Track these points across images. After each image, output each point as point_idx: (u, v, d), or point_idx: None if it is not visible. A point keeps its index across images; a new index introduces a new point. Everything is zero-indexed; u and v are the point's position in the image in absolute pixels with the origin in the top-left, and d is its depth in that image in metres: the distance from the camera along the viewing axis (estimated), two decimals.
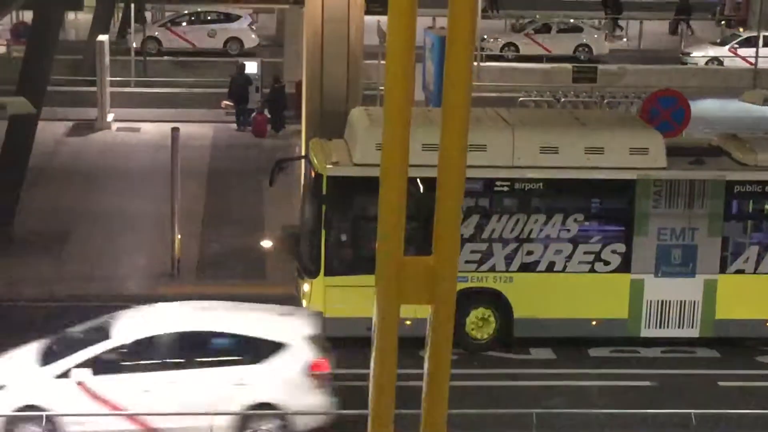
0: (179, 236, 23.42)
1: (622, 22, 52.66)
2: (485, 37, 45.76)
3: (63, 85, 35.97)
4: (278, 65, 38.22)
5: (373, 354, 6.44)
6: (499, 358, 20.58)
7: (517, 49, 46.36)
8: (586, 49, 46.55)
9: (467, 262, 20.27)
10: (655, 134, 21.13)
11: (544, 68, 42.01)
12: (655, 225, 20.58)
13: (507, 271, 20.46)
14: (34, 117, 23.98)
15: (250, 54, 43.14)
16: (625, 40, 50.50)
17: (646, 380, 19.92)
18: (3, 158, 25.18)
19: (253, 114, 34.72)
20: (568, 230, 20.56)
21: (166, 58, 44.65)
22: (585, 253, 20.64)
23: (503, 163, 20.27)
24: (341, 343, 19.01)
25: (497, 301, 20.58)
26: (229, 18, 46.77)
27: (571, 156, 20.52)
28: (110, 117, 35.08)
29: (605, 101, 34.29)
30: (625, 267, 20.67)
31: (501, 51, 46.18)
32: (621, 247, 20.67)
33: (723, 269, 20.91)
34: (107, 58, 34.96)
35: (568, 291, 20.72)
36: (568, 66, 38.95)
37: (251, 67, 35.97)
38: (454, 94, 5.84)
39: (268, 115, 34.54)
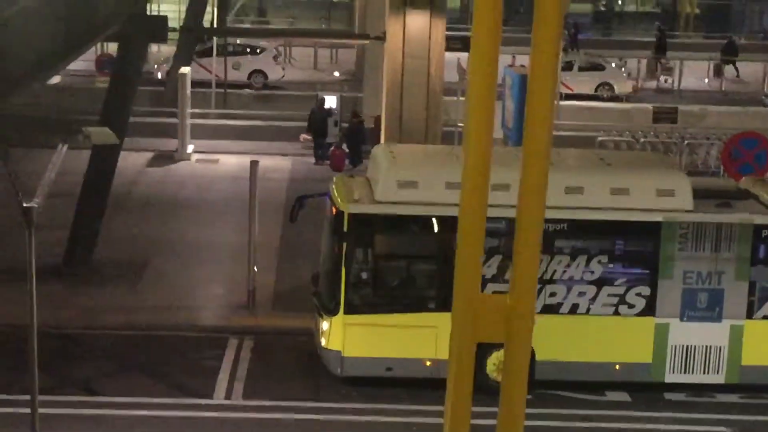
0: (255, 268, 23.55)
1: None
2: None
3: (145, 116, 36.43)
4: (357, 100, 38.40)
5: (448, 391, 6.43)
6: (573, 399, 20.38)
7: None
8: (608, 87, 46.18)
9: None
10: (681, 176, 20.84)
11: (623, 108, 41.80)
12: (680, 268, 20.18)
13: None
14: (117, 147, 24.31)
15: (275, 87, 43.20)
16: (668, 79, 49.94)
17: (722, 426, 19.60)
18: (85, 187, 25.54)
19: (332, 148, 34.88)
20: (592, 272, 20.21)
21: (246, 91, 45.07)
22: (609, 295, 20.27)
23: None
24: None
25: None
26: (254, 50, 46.84)
27: (596, 197, 20.18)
28: (190, 148, 35.47)
29: (685, 142, 33.99)
30: (649, 310, 20.25)
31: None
32: (646, 290, 20.28)
33: (750, 314, 20.41)
34: (188, 90, 35.39)
35: (591, 334, 20.35)
36: (649, 106, 38.70)
37: (330, 101, 36.19)
38: (535, 133, 5.84)
39: (347, 150, 34.68)
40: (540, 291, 20.14)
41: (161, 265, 25.82)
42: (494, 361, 20.16)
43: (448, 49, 26.36)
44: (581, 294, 20.28)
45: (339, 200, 20.07)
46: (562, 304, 20.28)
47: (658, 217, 20.08)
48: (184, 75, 35.58)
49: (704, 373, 20.51)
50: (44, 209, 14.88)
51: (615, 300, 20.33)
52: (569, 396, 20.42)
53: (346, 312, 19.81)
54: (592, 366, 20.47)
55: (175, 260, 26.10)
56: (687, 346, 20.47)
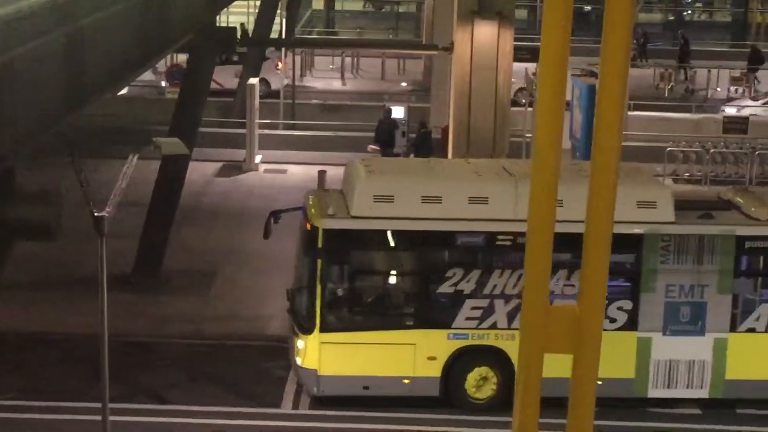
0: None
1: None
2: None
3: (214, 127, 36.72)
4: (425, 110, 38.42)
5: (516, 403, 6.41)
6: (643, 412, 20.21)
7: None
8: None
9: (468, 318, 19.65)
10: (663, 188, 20.56)
11: (693, 118, 41.39)
12: (662, 281, 19.82)
13: (509, 328, 19.60)
14: (186, 157, 24.53)
15: (274, 95, 43.01)
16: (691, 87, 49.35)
17: None
18: (155, 197, 25.79)
19: (399, 158, 34.92)
20: (573, 286, 19.59)
21: (314, 101, 45.30)
22: None
23: (506, 216, 19.46)
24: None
25: (499, 360, 19.78)
26: None
27: (576, 209, 19.84)
28: (258, 158, 35.69)
29: (756, 153, 33.61)
30: (631, 325, 19.88)
31: (514, 96, 46.12)
32: (627, 304, 19.90)
33: (733, 328, 20.09)
34: (257, 101, 35.61)
35: None
36: (719, 116, 38.33)
37: (398, 111, 36.23)
38: (605, 143, 5.81)
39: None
40: (520, 306, 19.71)
41: (230, 274, 26.00)
42: (472, 378, 19.85)
43: (516, 59, 26.30)
44: None
45: (313, 215, 19.60)
46: None
47: (639, 230, 19.64)
48: (252, 86, 35.81)
49: (688, 387, 20.09)
50: (115, 219, 15.06)
51: None
52: (640, 408, 20.24)
53: (321, 330, 19.36)
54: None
55: (244, 270, 26.26)
56: (670, 361, 20.05)
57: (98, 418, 16.12)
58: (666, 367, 20.08)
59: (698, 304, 19.85)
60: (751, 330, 20.15)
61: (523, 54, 32.69)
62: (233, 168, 35.26)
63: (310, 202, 20.27)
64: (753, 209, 20.29)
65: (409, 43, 52.64)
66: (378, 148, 35.97)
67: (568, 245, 19.48)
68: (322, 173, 24.11)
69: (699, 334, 20.02)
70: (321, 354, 19.50)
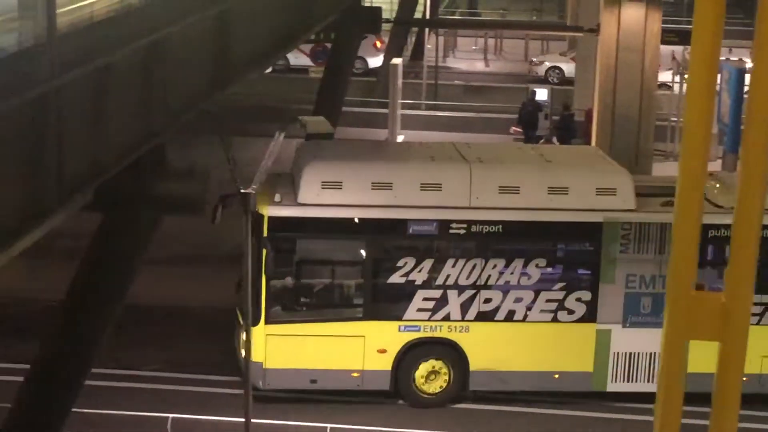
0: None
1: None
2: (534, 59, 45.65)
3: (356, 107, 36.94)
4: (568, 92, 38.08)
5: (658, 392, 6.33)
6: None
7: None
8: None
9: (419, 310, 19.09)
10: (623, 174, 19.64)
11: None
12: (623, 271, 19.14)
13: (463, 320, 19.09)
14: (330, 136, 24.75)
15: (371, 74, 42.56)
16: None
17: None
18: None
19: (542, 141, 34.72)
20: (529, 276, 19.18)
21: (456, 82, 45.23)
22: (547, 301, 19.23)
23: (459, 203, 18.87)
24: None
25: (451, 353, 19.24)
26: None
27: (532, 196, 19.05)
28: (400, 139, 35.81)
29: None
30: (590, 316, 19.24)
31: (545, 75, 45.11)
32: (586, 295, 19.29)
33: None
34: (400, 81, 35.73)
35: (528, 342, 19.33)
36: None
37: (541, 93, 36.00)
38: (756, 130, 5.70)
39: (557, 143, 34.46)
40: (473, 297, 19.13)
41: None
42: (422, 371, 19.37)
43: (664, 42, 25.89)
44: (518, 300, 19.22)
45: (258, 201, 18.25)
46: (497, 310, 19.18)
47: (598, 218, 19.02)
48: (395, 66, 35.94)
49: (649, 381, 19.48)
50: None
51: (554, 306, 19.27)
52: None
53: (267, 322, 18.78)
54: (530, 375, 19.46)
55: None
56: (630, 354, 19.45)
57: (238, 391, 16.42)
58: (626, 361, 19.48)
59: (660, 295, 19.07)
60: None
61: (670, 36, 32.18)
62: None
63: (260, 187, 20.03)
64: (717, 196, 19.45)
65: (554, 25, 52.19)
66: (520, 129, 35.82)
67: (523, 234, 19.17)
68: None
69: (660, 326, 19.32)
70: (267, 347, 18.89)
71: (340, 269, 19.25)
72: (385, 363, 19.24)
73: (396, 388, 19.45)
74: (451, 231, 18.92)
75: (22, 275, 22.31)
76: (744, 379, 18.85)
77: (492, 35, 51.20)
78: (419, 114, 38.82)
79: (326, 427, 18.01)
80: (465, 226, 18.92)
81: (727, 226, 18.88)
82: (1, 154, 9.99)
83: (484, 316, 19.20)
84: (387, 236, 19.16)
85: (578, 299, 19.33)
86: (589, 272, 19.35)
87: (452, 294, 19.08)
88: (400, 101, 35.83)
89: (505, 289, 19.23)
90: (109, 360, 18.92)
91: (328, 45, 32.45)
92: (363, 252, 19.16)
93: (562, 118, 34.45)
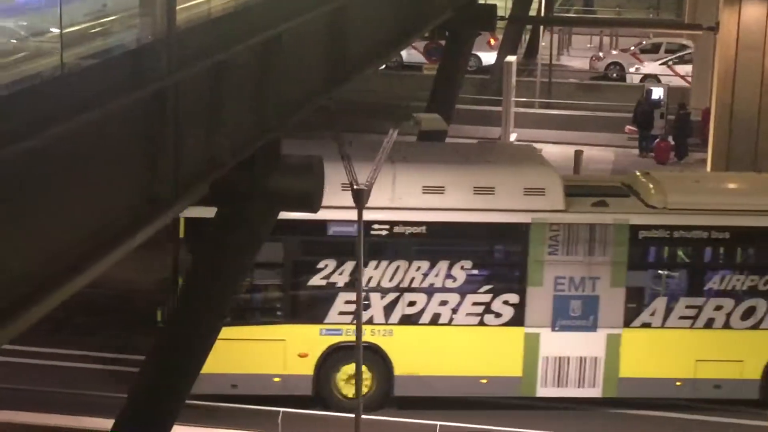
0: None
1: None
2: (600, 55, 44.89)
3: (469, 104, 36.85)
4: (685, 91, 37.53)
5: None
6: None
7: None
8: None
9: (341, 313, 18.63)
10: (551, 173, 19.01)
11: None
12: (551, 274, 18.59)
13: (386, 323, 18.64)
14: (443, 133, 24.76)
15: (484, 71, 41.98)
16: None
17: None
18: None
19: (657, 140, 34.29)
20: (455, 279, 18.68)
21: (571, 80, 44.86)
22: (473, 304, 18.73)
23: (383, 203, 18.30)
24: None
25: (374, 357, 18.73)
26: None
27: (458, 197, 18.54)
28: (513, 137, 35.61)
29: None
30: (518, 320, 18.68)
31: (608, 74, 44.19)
32: (514, 298, 18.76)
33: (627, 323, 18.79)
34: (513, 79, 35.53)
35: (454, 346, 18.81)
36: None
37: (657, 92, 35.56)
38: None
39: (672, 142, 34.01)
40: (397, 300, 18.70)
41: None
42: (343, 375, 18.95)
43: None
44: (443, 303, 18.74)
45: None
46: (422, 313, 18.74)
47: (526, 218, 18.50)
48: (509, 64, 35.76)
49: (579, 386, 19.00)
50: None
51: (480, 309, 18.79)
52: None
53: None
54: (457, 380, 18.99)
55: None
56: (560, 358, 18.94)
57: None
58: (555, 365, 19.02)
59: (589, 297, 18.72)
60: (646, 325, 18.94)
61: None
62: None
63: None
64: (651, 196, 18.97)
65: (671, 23, 51.41)
66: (635, 129, 35.41)
67: (448, 235, 18.54)
68: (578, 153, 23.90)
69: (590, 330, 18.90)
70: None
71: (259, 271, 18.74)
72: (307, 367, 18.95)
73: (318, 393, 19.15)
74: (372, 232, 18.53)
75: (134, 266, 22.69)
76: (677, 384, 18.53)
77: (607, 33, 50.64)
78: (532, 112, 38.58)
79: (436, 425, 17.97)
80: (387, 227, 18.63)
81: (659, 227, 18.51)
82: (120, 148, 10.15)
83: (408, 320, 18.89)
84: (307, 237, 18.82)
85: (505, 302, 18.97)
86: (516, 275, 18.96)
87: (375, 297, 18.80)
88: (513, 99, 35.63)
89: (430, 292, 18.91)
90: None
91: (442, 42, 32.38)
92: (282, 253, 18.80)
93: (678, 117, 33.97)
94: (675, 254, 19.10)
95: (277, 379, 19.03)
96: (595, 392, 19.26)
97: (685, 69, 42.25)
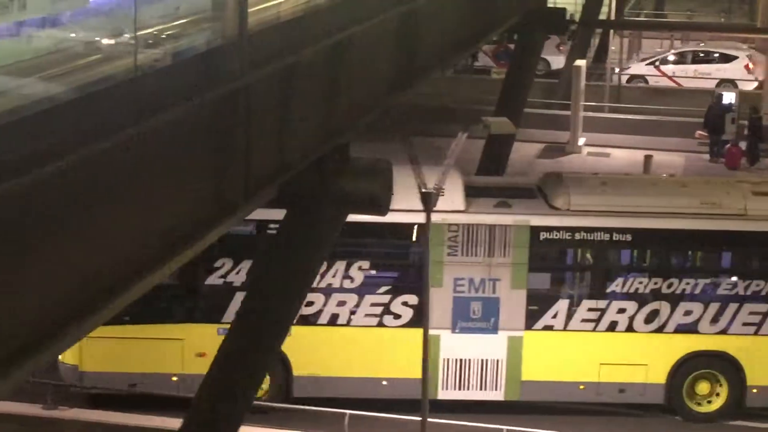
0: None
1: None
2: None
3: (537, 108, 36.73)
4: (757, 96, 37.09)
5: None
6: None
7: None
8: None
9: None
10: (452, 173, 18.37)
11: None
12: (450, 275, 18.34)
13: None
14: (511, 137, 24.73)
15: (554, 75, 41.75)
16: None
17: None
18: (479, 173, 26.07)
19: (728, 145, 33.92)
20: (352, 279, 18.45)
21: (640, 85, 44.50)
22: (372, 305, 18.49)
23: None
24: None
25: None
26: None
27: (402, 198, 18.26)
28: (581, 141, 35.46)
29: None
30: (417, 321, 18.09)
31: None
32: (413, 299, 18.46)
33: (529, 325, 18.56)
34: (582, 83, 35.37)
35: (353, 347, 18.59)
36: None
37: (729, 97, 35.17)
38: None
39: (744, 147, 33.62)
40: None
41: None
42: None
43: None
44: (341, 303, 18.59)
45: None
46: (320, 314, 18.59)
47: (423, 218, 18.19)
48: (578, 68, 35.60)
49: (481, 389, 18.82)
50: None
51: (379, 310, 18.59)
52: None
53: None
54: (357, 382, 18.80)
55: None
56: (461, 360, 18.71)
57: None
58: (456, 367, 18.83)
59: (490, 299, 18.55)
60: (548, 328, 18.72)
61: None
62: (556, 150, 35.20)
63: None
64: (556, 198, 18.78)
65: (743, 27, 50.87)
66: (706, 134, 35.05)
67: (346, 234, 17.90)
68: (648, 158, 23.72)
69: (491, 332, 18.70)
70: (82, 349, 18.36)
71: None
72: (205, 367, 18.92)
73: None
74: (269, 231, 18.25)
75: None
76: (581, 387, 18.26)
77: (678, 37, 50.18)
78: (601, 116, 38.34)
79: (502, 429, 17.92)
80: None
81: (560, 229, 18.35)
82: (192, 149, 10.21)
83: (305, 320, 18.75)
84: None
85: (404, 303, 18.84)
86: (415, 275, 18.76)
87: None
88: (582, 103, 35.46)
89: (328, 292, 18.83)
90: None
91: (511, 46, 32.35)
92: None
93: (750, 121, 33.59)
94: (577, 256, 19.06)
95: (174, 379, 19.11)
96: (498, 395, 19.23)
97: (672, 69, 41.71)
